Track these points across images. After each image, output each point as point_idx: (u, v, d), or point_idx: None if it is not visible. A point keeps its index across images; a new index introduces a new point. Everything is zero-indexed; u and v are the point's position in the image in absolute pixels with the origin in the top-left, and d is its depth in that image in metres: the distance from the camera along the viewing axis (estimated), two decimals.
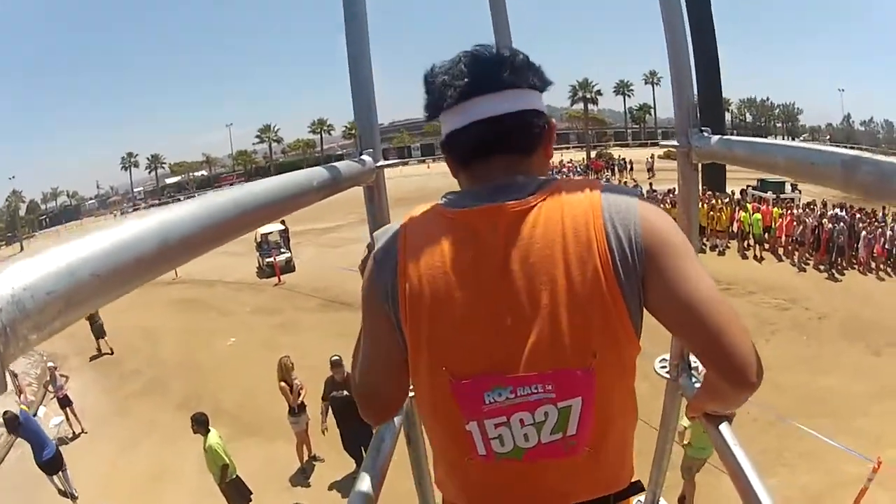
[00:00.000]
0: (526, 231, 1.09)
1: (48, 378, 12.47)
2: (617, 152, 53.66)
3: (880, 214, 20.22)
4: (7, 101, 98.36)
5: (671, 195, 23.28)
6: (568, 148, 65.35)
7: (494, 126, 1.16)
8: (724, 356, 1.08)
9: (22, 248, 51.96)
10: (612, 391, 1.13)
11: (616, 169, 43.01)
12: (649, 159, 41.89)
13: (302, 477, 9.65)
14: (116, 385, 14.27)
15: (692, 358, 1.86)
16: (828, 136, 55.22)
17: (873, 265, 18.32)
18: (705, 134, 1.53)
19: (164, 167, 75.75)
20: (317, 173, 1.28)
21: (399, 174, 49.88)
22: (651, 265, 1.07)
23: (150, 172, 75.39)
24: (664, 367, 1.97)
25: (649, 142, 64.49)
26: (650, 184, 28.44)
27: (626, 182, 34.99)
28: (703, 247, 20.50)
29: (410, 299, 1.12)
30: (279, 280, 21.15)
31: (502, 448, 1.14)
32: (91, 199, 76.84)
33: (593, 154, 55.88)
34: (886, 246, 18.18)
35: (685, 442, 7.29)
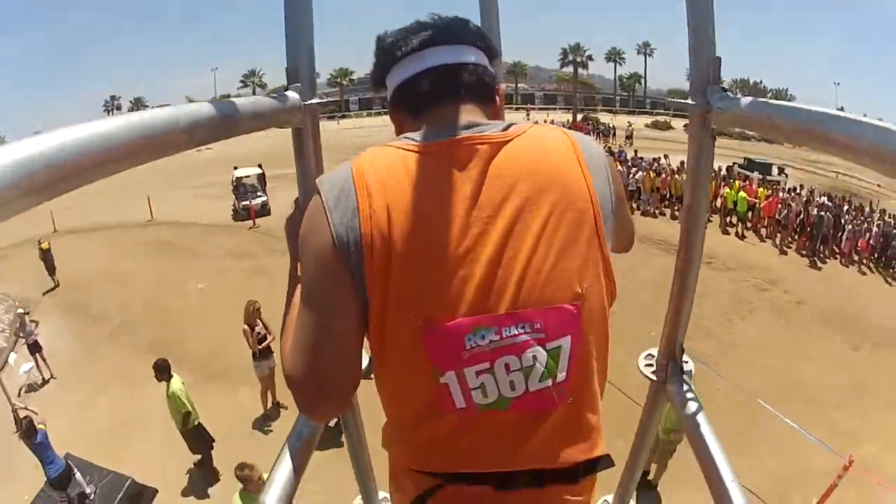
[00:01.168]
0: (509, 162, 1.03)
1: (19, 324, 12.16)
2: (604, 118, 53.14)
3: (867, 210, 20.20)
4: None
5: (657, 163, 23.13)
6: (555, 109, 64.78)
7: (452, 73, 1.13)
8: None
9: None
10: (595, 332, 1.08)
11: (601, 134, 42.62)
12: (628, 126, 41.88)
13: (265, 424, 9.55)
14: (86, 329, 13.87)
15: (686, 359, 1.58)
16: None
17: (856, 258, 18.23)
18: (730, 94, 1.22)
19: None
20: (190, 111, 0.92)
21: (382, 124, 49.27)
22: (617, 210, 1.11)
23: None
24: (650, 365, 1.68)
25: (637, 110, 64.26)
26: (635, 151, 28.11)
27: (609, 147, 34.29)
28: None
29: (377, 242, 0.99)
30: (254, 223, 20.77)
31: (485, 399, 1.03)
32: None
33: (579, 117, 54.87)
34: (871, 242, 18.09)
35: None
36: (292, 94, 1.31)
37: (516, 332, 1.00)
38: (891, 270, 17.62)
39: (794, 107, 1.02)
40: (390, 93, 1.19)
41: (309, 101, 1.33)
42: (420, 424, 1.08)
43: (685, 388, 1.53)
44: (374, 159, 1.05)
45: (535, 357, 1.01)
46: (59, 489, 7.57)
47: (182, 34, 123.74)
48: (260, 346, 9.06)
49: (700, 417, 1.38)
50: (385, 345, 1.04)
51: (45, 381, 11.63)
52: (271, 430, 9.33)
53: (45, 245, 16.17)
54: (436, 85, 1.12)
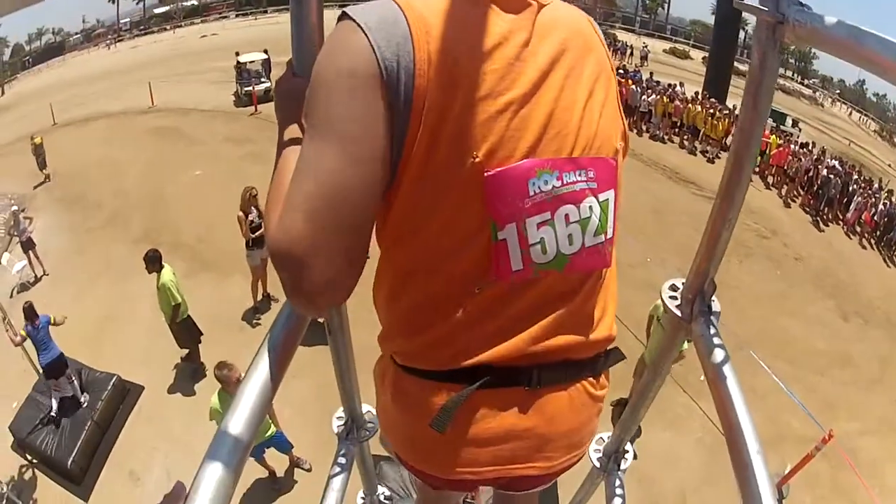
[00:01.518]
0: (554, 22, 1.00)
1: (13, 223, 11.97)
2: (621, 36, 51.86)
3: (875, 185, 19.87)
4: None
5: (671, 89, 22.53)
6: None
7: None
8: None
9: (2, 93, 49.53)
10: (620, 194, 1.08)
11: (617, 52, 41.55)
12: (643, 47, 40.85)
13: (254, 317, 9.58)
14: (80, 221, 13.70)
15: (714, 300, 1.44)
16: (838, 91, 53.56)
17: (858, 230, 17.89)
18: (808, 10, 1.04)
19: None
20: None
21: None
22: None
23: (137, 3, 71.62)
24: (674, 298, 1.53)
25: (656, 34, 62.66)
26: (650, 73, 27.32)
27: (625, 66, 32.73)
28: (694, 149, 20.20)
29: (435, 68, 0.87)
30: (255, 109, 20.23)
31: (544, 257, 0.99)
32: (76, 34, 73.56)
33: None
34: (875, 218, 17.74)
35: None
36: None
37: (575, 179, 0.98)
38: (891, 252, 17.40)
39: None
40: None
41: None
42: (458, 301, 1.01)
43: (712, 331, 1.39)
44: None
45: (591, 208, 1.00)
46: (52, 377, 7.61)
47: None
48: (254, 235, 8.86)
49: (727, 369, 1.23)
50: (422, 200, 0.94)
51: (37, 279, 11.58)
52: (260, 324, 9.36)
53: (37, 140, 15.85)
54: None
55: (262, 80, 21.72)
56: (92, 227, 13.25)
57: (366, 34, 0.87)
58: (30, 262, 11.59)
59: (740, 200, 1.29)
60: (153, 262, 7.84)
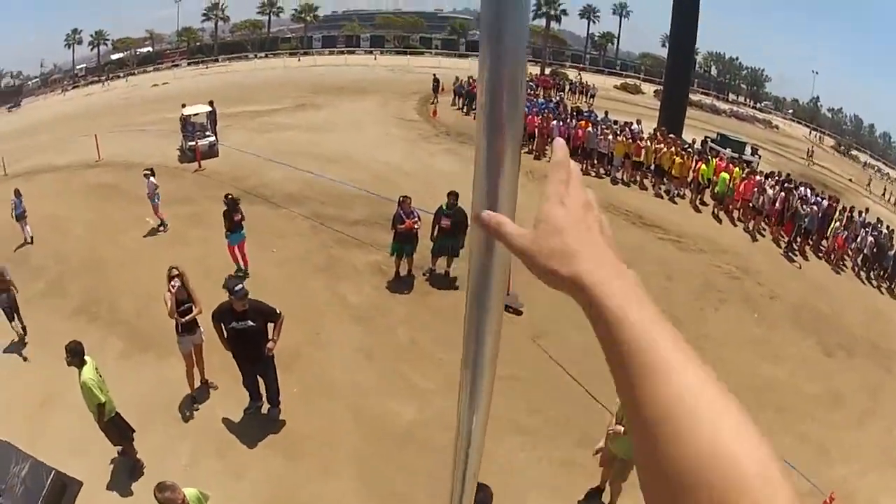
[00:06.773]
0: None
1: None
2: (572, 75, 52.06)
3: (856, 213, 19.50)
4: None
5: (629, 128, 21.93)
6: None
7: None
8: None
9: None
10: None
11: (571, 91, 41.38)
12: (592, 87, 41.56)
13: (191, 406, 8.74)
14: (22, 284, 12.33)
15: None
16: (791, 111, 54.49)
17: (833, 258, 17.64)
18: None
19: (107, 44, 71.74)
20: None
21: (343, 63, 48.95)
22: None
23: (93, 49, 71.67)
24: None
25: (606, 70, 63.50)
26: (606, 112, 26.76)
27: (578, 106, 31.06)
28: (660, 191, 19.66)
29: None
30: (199, 166, 19.25)
31: None
32: (35, 78, 73.27)
33: (547, 71, 53.38)
34: (865, 250, 17.46)
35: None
36: None
37: None
38: (890, 282, 17.26)
39: None
40: None
41: None
42: None
43: None
44: None
45: None
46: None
47: None
48: (183, 319, 8.07)
49: None
50: None
51: None
52: (197, 412, 8.59)
53: None
54: None
55: (207, 133, 20.72)
56: (34, 293, 12.12)
57: None
58: None
59: None
60: (75, 354, 7.06)
